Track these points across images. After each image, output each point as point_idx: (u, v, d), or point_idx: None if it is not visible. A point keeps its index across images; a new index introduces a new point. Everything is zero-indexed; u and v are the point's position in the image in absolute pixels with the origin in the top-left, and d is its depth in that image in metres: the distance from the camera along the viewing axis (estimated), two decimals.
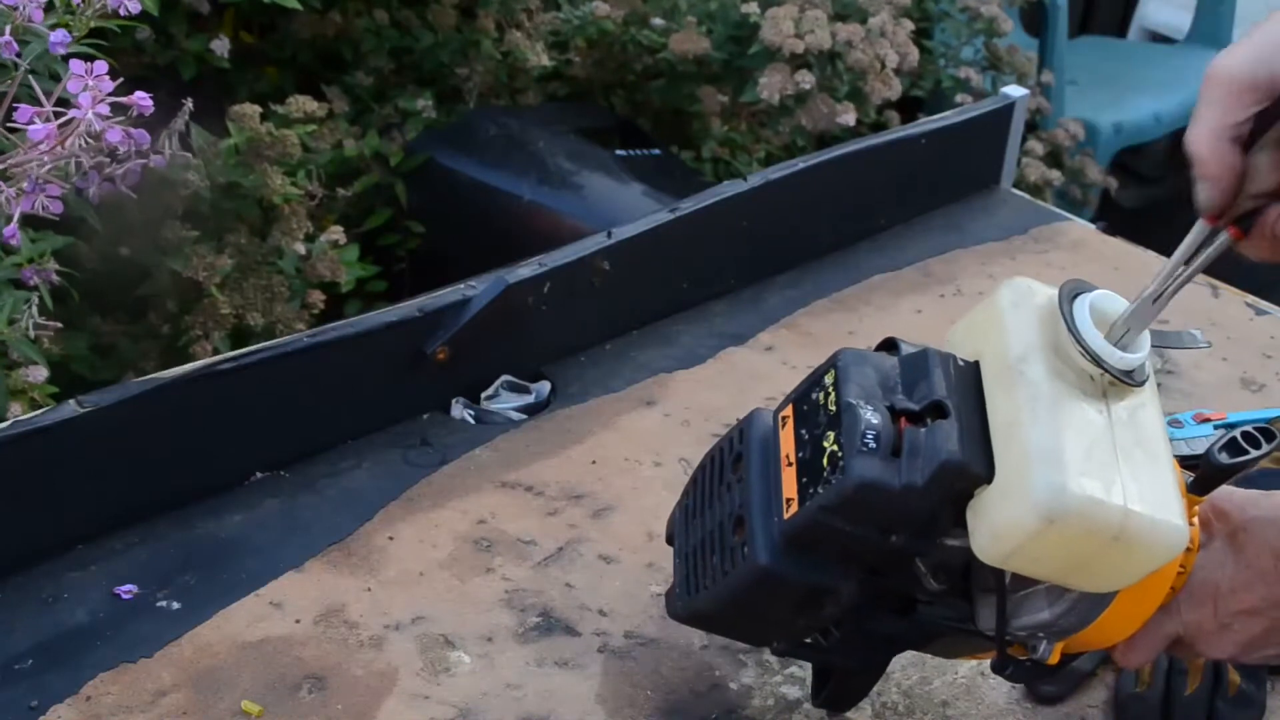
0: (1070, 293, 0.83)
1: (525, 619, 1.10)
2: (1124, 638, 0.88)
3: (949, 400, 0.81)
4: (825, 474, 0.82)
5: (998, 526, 0.78)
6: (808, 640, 0.91)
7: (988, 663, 0.90)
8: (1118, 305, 0.83)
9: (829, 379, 0.85)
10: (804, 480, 0.84)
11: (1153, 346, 0.84)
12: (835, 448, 0.82)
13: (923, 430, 0.81)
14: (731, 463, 0.91)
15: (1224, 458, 0.87)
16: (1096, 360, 0.81)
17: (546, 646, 1.07)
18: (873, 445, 0.80)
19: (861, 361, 0.85)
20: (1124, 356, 0.81)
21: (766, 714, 1.03)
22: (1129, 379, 0.82)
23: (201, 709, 0.99)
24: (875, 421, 0.81)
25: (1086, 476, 0.77)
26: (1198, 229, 0.81)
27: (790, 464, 0.86)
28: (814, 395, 0.86)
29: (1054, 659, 0.87)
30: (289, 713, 1.00)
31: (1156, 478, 0.80)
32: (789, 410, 0.89)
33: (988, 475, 0.79)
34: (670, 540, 0.97)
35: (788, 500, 0.84)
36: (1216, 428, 1.27)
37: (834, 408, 0.83)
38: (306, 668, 1.04)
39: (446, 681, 1.04)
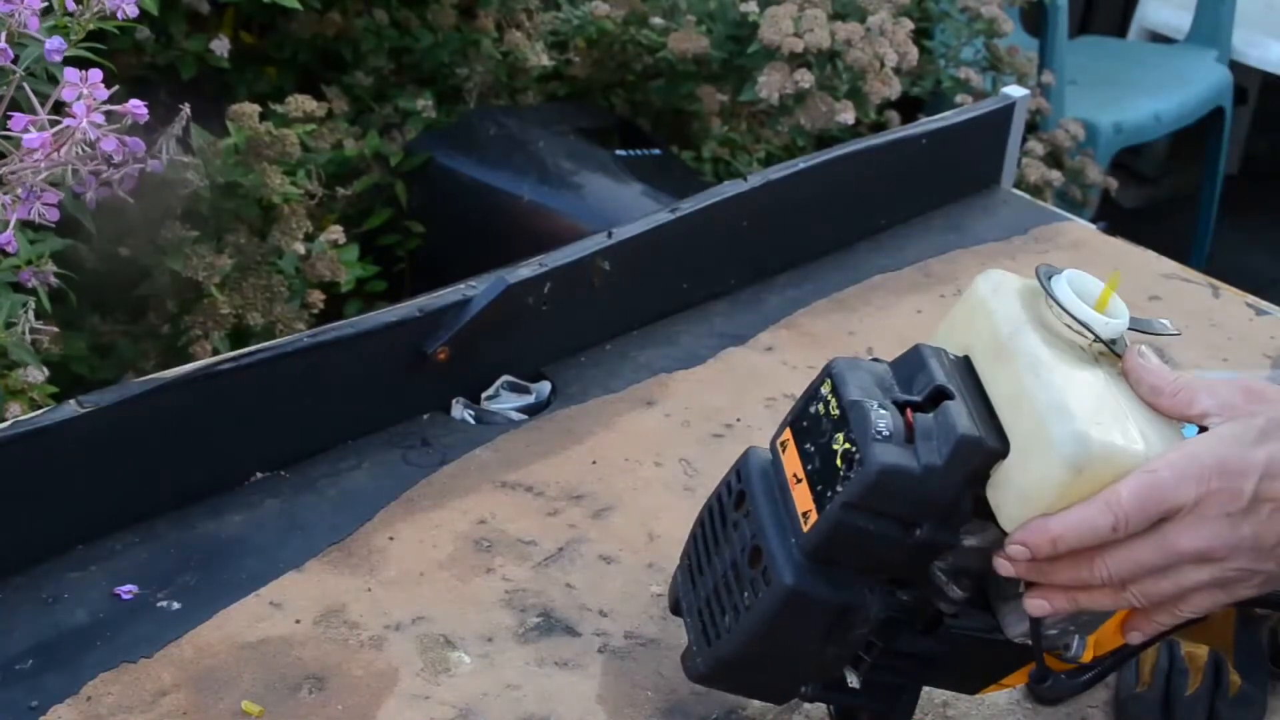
0: (1047, 273, 0.86)
1: (525, 619, 1.10)
2: None
3: (950, 384, 0.83)
4: (842, 473, 0.82)
5: (1026, 489, 0.80)
6: (839, 676, 0.89)
7: None
8: (1092, 283, 0.86)
9: (825, 389, 0.86)
10: (819, 489, 0.84)
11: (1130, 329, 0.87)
12: (848, 445, 0.82)
13: (932, 415, 0.82)
14: (734, 503, 0.90)
15: None
16: (1086, 327, 0.84)
17: (546, 646, 1.07)
18: (887, 434, 0.81)
19: (854, 367, 0.86)
20: (1110, 323, 0.84)
21: (767, 714, 1.03)
22: (1114, 347, 0.85)
23: (201, 709, 0.99)
24: (884, 413, 0.82)
25: (1103, 425, 0.79)
26: None
27: (799, 480, 0.86)
28: (812, 409, 0.87)
29: (1087, 655, 0.88)
30: (289, 713, 1.00)
31: (1163, 428, 0.83)
32: (786, 434, 0.89)
33: (1003, 449, 0.81)
34: (675, 609, 0.96)
35: (804, 514, 0.84)
36: None
37: (837, 411, 0.84)
38: (306, 668, 1.03)
39: (446, 682, 1.04)
